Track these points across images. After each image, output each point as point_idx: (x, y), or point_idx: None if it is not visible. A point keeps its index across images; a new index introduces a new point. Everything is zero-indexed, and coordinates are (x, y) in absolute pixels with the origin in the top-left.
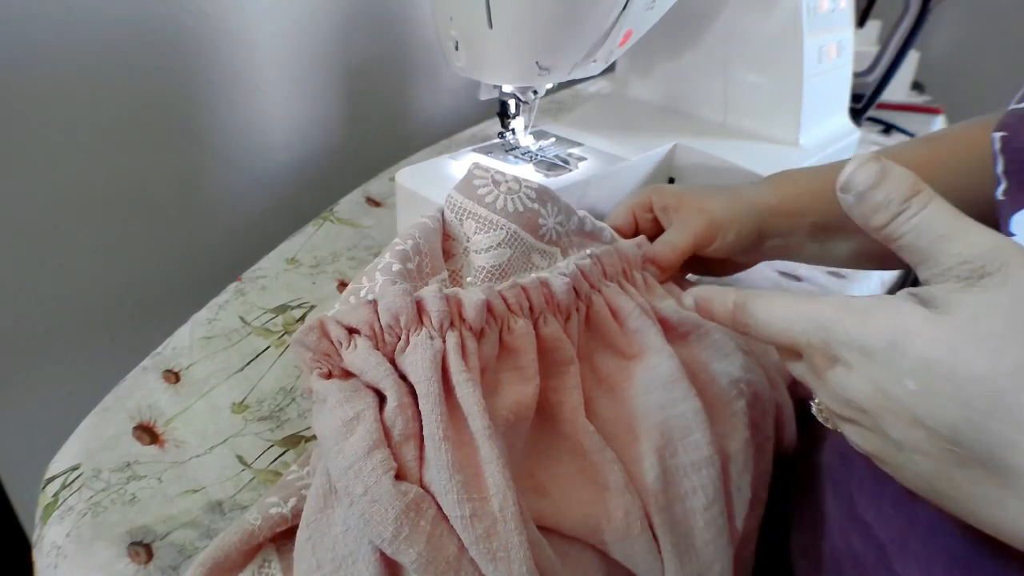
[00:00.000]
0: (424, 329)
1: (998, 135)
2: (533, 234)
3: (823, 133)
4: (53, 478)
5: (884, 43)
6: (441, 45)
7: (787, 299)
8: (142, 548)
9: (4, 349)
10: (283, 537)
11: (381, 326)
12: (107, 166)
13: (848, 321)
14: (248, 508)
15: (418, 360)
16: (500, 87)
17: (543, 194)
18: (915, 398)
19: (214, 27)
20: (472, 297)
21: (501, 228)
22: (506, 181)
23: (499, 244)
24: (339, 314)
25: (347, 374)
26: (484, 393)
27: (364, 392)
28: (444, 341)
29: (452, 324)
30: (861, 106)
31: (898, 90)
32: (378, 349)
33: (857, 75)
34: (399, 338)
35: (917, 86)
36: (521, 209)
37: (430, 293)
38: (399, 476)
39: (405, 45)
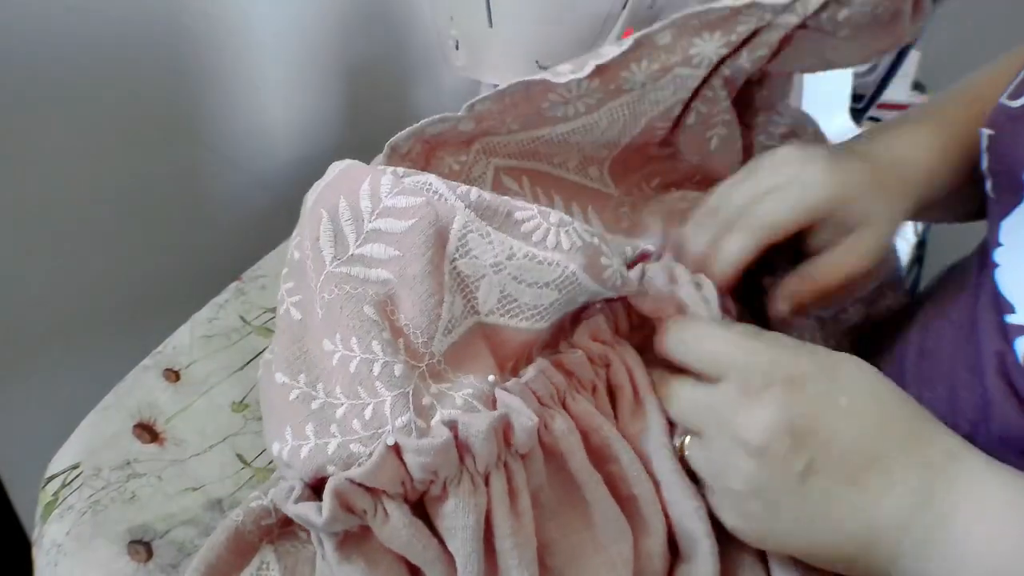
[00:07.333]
0: (464, 479)
1: (986, 132)
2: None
3: (824, 133)
4: (53, 476)
5: None
6: (441, 45)
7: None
8: (142, 546)
9: (4, 349)
10: (280, 539)
11: (411, 480)
12: (107, 165)
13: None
14: None
15: (458, 528)
16: (500, 86)
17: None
18: None
19: (215, 27)
20: (522, 419)
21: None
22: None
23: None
24: (360, 475)
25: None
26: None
27: (392, 563)
28: (488, 486)
29: (497, 458)
30: (862, 106)
31: (899, 90)
32: (407, 500)
33: (858, 75)
34: (432, 483)
35: (918, 86)
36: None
37: (476, 433)
38: None
39: (405, 45)
